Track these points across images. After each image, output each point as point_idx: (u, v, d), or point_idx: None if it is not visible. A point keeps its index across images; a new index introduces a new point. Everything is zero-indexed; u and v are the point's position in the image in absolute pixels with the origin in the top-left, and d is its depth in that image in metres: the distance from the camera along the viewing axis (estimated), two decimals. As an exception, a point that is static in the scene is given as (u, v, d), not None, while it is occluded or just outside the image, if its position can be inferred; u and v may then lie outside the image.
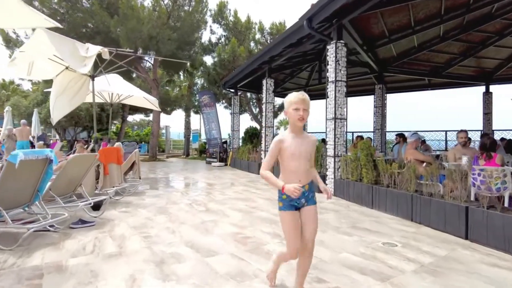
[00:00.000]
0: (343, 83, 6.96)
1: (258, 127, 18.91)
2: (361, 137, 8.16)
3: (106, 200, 4.81)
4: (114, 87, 8.40)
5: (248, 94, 19.65)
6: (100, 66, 6.89)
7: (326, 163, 7.10)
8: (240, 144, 15.41)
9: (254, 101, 20.00)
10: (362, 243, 3.65)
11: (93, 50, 5.98)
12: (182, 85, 22.95)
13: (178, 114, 22.28)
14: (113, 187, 6.04)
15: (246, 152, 12.36)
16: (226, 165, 14.40)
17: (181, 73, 21.88)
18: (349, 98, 18.25)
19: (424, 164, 5.37)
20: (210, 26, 17.20)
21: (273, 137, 11.67)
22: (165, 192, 7.01)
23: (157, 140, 17.59)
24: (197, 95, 18.66)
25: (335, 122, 6.82)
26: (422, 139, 5.60)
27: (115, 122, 30.75)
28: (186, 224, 4.42)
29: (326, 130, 7.12)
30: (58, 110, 6.35)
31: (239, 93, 15.87)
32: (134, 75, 21.50)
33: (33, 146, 13.26)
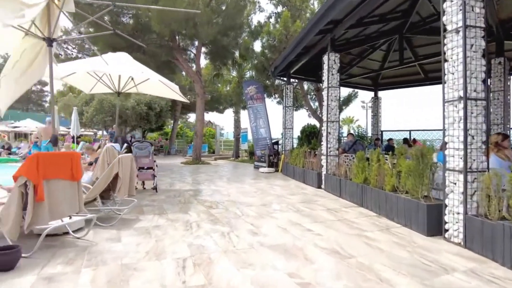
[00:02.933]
0: (479, 31, 3.66)
1: (318, 124, 15.72)
2: (505, 135, 4.70)
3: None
4: (118, 68, 6.18)
5: (305, 86, 16.54)
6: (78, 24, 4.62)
7: (445, 182, 3.85)
8: (295, 145, 12.47)
9: (312, 93, 16.79)
10: None
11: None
12: (232, 80, 20.72)
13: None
14: (62, 220, 3.64)
15: (301, 156, 9.39)
16: (277, 171, 11.59)
17: (231, 67, 19.62)
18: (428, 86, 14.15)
19: None
20: (258, 2, 14.53)
21: (339, 137, 8.40)
22: (164, 223, 4.44)
23: (201, 140, 15.50)
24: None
25: (465, 105, 3.55)
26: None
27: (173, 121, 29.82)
28: None
29: (444, 121, 3.86)
30: (3, 96, 4.18)
31: (294, 84, 12.96)
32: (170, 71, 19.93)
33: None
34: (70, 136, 20.77)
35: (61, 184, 3.35)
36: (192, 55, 16.22)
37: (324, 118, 7.69)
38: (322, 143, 7.89)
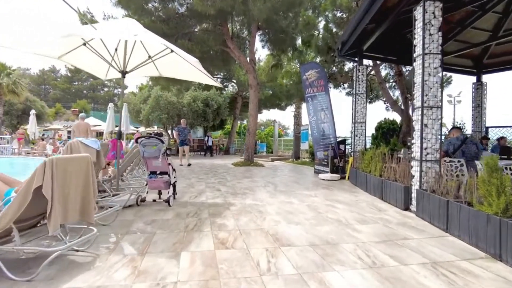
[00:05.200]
0: None
1: (398, 119, 12.53)
2: None
3: None
4: (109, 32, 4.48)
5: (383, 72, 13.40)
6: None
7: None
8: (368, 145, 9.72)
9: (391, 81, 13.57)
10: None
11: None
12: (293, 72, 18.41)
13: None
14: None
15: (378, 160, 6.72)
16: (343, 178, 8.99)
17: (291, 56, 17.29)
18: None
19: None
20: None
21: (441, 135, 5.07)
22: (118, 282, 2.47)
23: (253, 138, 13.56)
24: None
25: None
26: None
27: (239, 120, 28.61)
28: None
29: None
30: None
31: (368, 68, 10.18)
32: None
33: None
34: (139, 133, 20.54)
35: None
36: (246, 42, 14.39)
37: (417, 104, 4.99)
38: (413, 141, 5.18)
